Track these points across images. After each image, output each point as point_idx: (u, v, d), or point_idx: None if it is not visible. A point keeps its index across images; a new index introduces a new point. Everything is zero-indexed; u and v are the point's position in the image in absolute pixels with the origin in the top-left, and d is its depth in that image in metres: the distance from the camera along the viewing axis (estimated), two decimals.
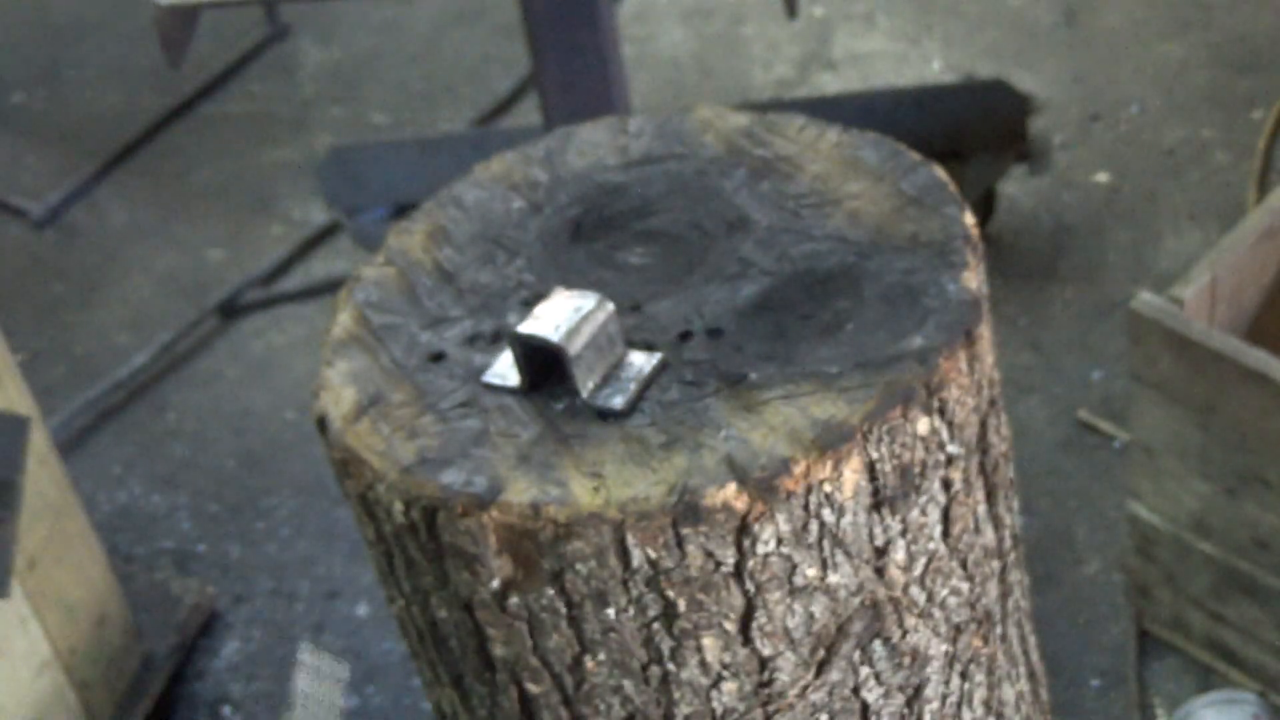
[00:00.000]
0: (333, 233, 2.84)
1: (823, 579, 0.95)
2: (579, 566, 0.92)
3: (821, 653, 1.00)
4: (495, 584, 0.95)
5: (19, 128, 3.26)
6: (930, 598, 1.04)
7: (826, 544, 0.94)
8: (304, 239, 2.83)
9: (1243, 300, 1.80)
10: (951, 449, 0.99)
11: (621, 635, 0.96)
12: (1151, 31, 3.00)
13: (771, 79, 3.05)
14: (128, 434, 2.52)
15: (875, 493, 0.95)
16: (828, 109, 2.51)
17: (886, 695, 1.05)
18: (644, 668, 0.98)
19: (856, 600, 0.98)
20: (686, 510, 0.90)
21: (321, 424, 1.01)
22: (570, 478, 0.93)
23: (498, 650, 1.00)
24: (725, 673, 0.98)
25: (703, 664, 0.98)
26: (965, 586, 1.07)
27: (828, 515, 0.94)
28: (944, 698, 1.10)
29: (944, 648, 1.07)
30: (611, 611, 0.95)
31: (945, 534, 1.02)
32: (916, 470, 0.97)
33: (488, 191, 1.18)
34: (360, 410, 1.00)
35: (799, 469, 0.91)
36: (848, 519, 0.95)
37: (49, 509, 1.85)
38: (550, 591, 0.94)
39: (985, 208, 2.54)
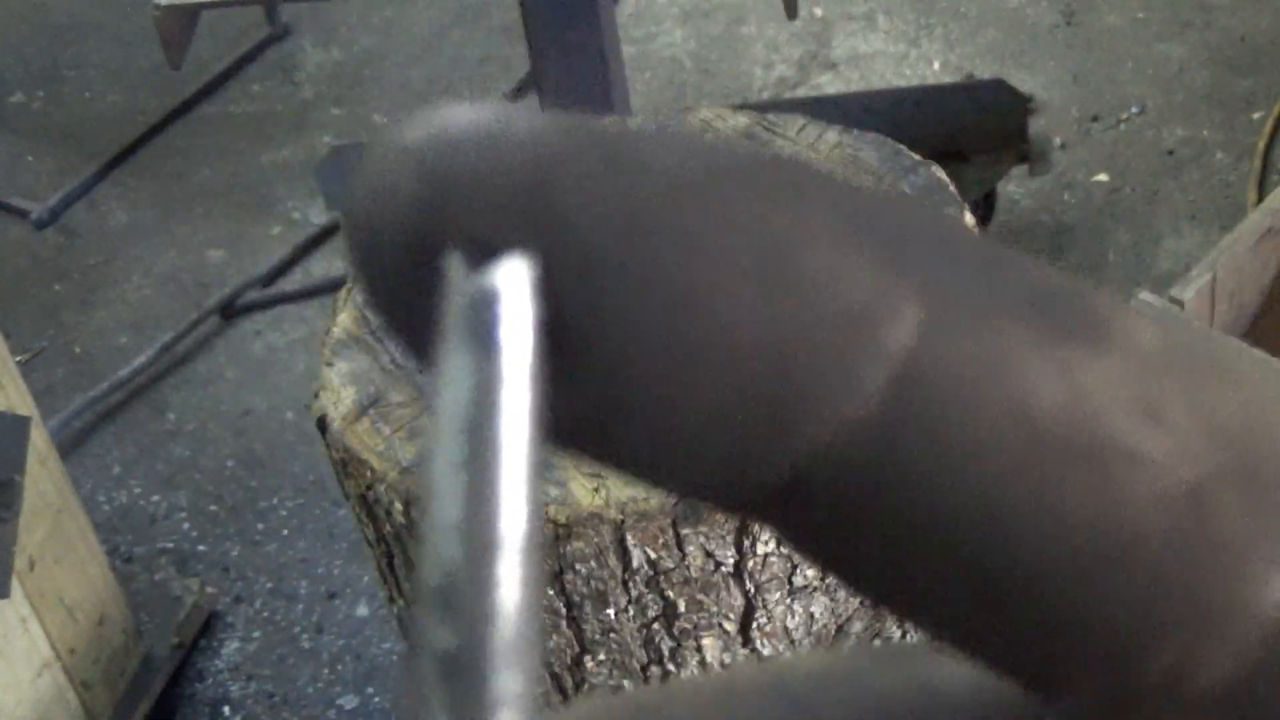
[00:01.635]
0: (333, 233, 2.84)
1: (823, 579, 0.95)
2: (579, 566, 0.92)
3: None
4: None
5: (19, 128, 3.26)
6: None
7: None
8: (304, 239, 2.84)
9: (1243, 300, 1.80)
10: None
11: (621, 635, 0.96)
12: (1151, 31, 3.00)
13: (771, 79, 3.05)
14: (128, 434, 2.52)
15: None
16: (828, 109, 2.51)
17: None
18: (644, 668, 0.98)
19: (857, 600, 0.98)
20: (686, 510, 0.90)
21: (321, 424, 1.01)
22: (570, 478, 0.93)
23: None
24: None
25: (703, 664, 0.98)
26: None
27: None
28: None
29: None
30: (611, 611, 0.95)
31: None
32: None
33: None
34: (360, 410, 1.00)
35: None
36: None
37: (49, 509, 1.85)
38: (550, 591, 0.94)
39: (985, 208, 2.54)
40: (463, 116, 0.17)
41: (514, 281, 0.16)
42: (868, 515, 0.17)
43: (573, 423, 0.17)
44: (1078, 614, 0.16)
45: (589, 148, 0.17)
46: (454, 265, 0.16)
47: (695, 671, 0.98)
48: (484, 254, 0.16)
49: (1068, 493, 0.16)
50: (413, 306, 0.17)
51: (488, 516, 0.16)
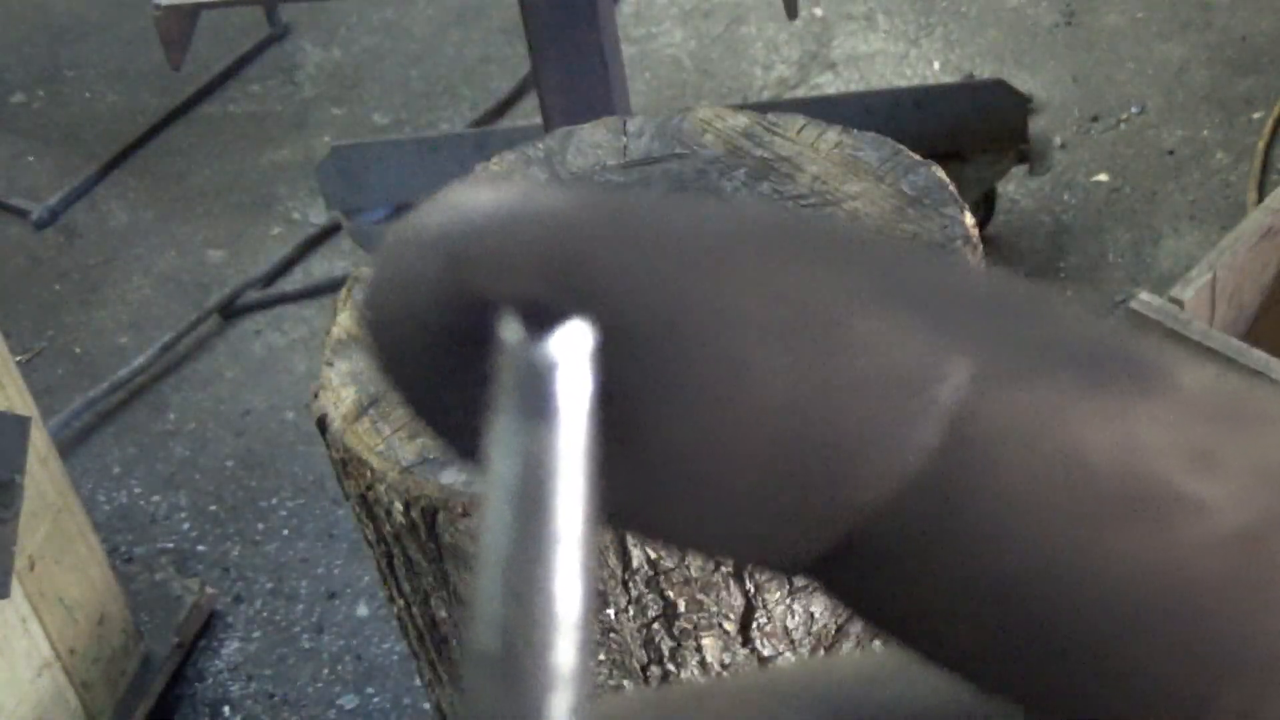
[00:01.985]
0: (333, 233, 2.84)
1: None
2: None
3: (821, 653, 1.00)
4: None
5: (19, 128, 3.26)
6: None
7: None
8: (304, 239, 2.84)
9: (1243, 300, 1.80)
10: None
11: (621, 635, 0.96)
12: (1151, 31, 3.00)
13: (771, 79, 3.05)
14: (128, 434, 2.52)
15: None
16: (828, 109, 2.51)
17: None
18: (644, 668, 0.98)
19: None
20: None
21: (321, 424, 1.01)
22: None
23: None
24: (725, 673, 0.98)
25: (703, 664, 0.98)
26: None
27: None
28: None
29: None
30: (611, 611, 0.95)
31: None
32: None
33: None
34: (360, 410, 1.00)
35: None
36: None
37: (49, 509, 1.85)
38: None
39: (985, 208, 2.54)
40: (478, 198, 0.16)
41: (569, 351, 0.16)
42: (922, 573, 0.16)
43: (619, 499, 0.17)
44: (1139, 664, 0.16)
45: (620, 221, 0.16)
46: (505, 332, 0.16)
47: (695, 671, 0.98)
48: (529, 327, 0.16)
49: (1124, 542, 0.16)
50: (451, 398, 0.17)
51: (542, 584, 0.16)
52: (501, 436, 0.16)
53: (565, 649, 0.16)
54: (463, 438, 0.17)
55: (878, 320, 0.16)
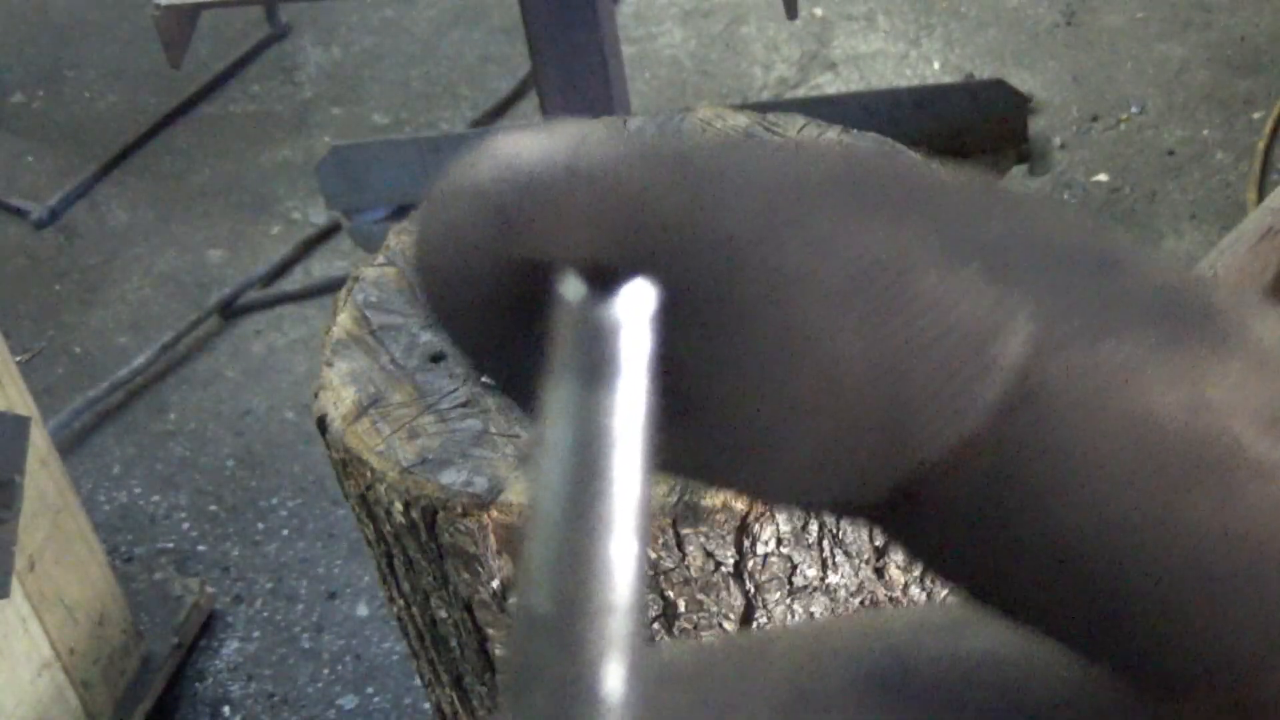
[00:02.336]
0: (333, 233, 2.84)
1: (823, 579, 0.95)
2: None
3: None
4: (495, 584, 0.95)
5: (19, 128, 3.26)
6: (930, 598, 1.04)
7: (827, 544, 0.94)
8: (304, 239, 2.84)
9: None
10: None
11: None
12: (1151, 31, 3.00)
13: (771, 79, 3.05)
14: (128, 434, 2.52)
15: None
16: (828, 109, 2.51)
17: None
18: None
19: (856, 600, 0.98)
20: (686, 510, 0.90)
21: (321, 424, 1.01)
22: None
23: (498, 650, 1.00)
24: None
25: None
26: None
27: (828, 515, 0.94)
28: None
29: None
30: None
31: None
32: None
33: None
34: (360, 410, 1.00)
35: None
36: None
37: (49, 509, 1.85)
38: None
39: None
40: (530, 149, 0.16)
41: (631, 311, 0.16)
42: (985, 524, 0.16)
43: (682, 451, 0.17)
44: (1200, 625, 0.16)
45: (681, 175, 0.16)
46: (565, 291, 0.16)
47: None
48: (590, 287, 0.16)
49: (1192, 505, 0.16)
50: (507, 355, 0.17)
51: (596, 547, 0.16)
52: (559, 397, 0.16)
53: (619, 613, 0.15)
54: (521, 393, 0.17)
55: (942, 277, 0.16)
